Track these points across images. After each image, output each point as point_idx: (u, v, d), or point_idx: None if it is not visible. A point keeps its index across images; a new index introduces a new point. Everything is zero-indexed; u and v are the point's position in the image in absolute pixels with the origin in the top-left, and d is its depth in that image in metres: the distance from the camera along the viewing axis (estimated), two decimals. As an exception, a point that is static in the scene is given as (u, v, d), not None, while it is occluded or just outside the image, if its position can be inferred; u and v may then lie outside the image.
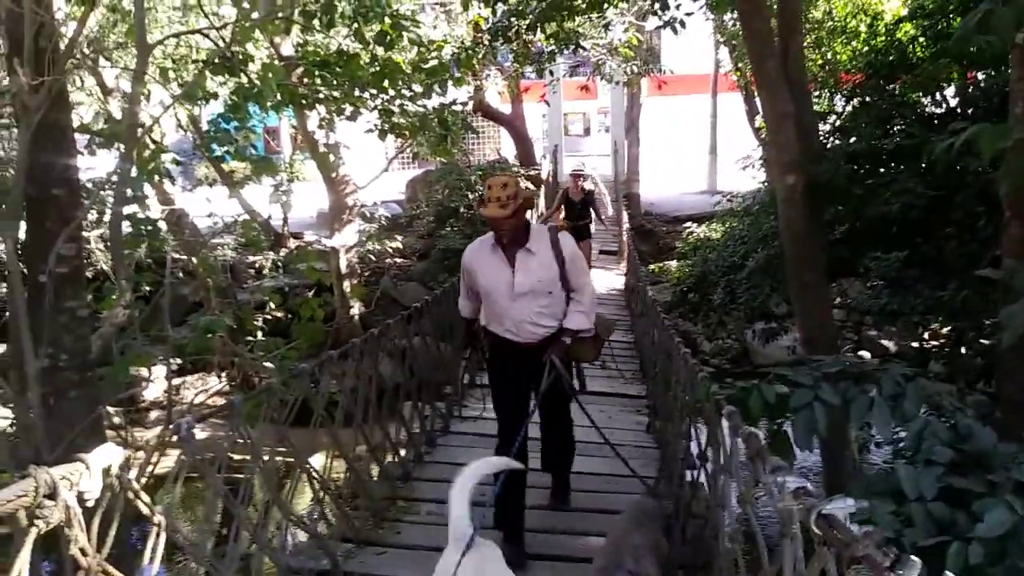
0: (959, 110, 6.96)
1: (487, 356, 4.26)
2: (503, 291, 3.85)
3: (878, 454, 8.63)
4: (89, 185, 7.63)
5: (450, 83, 7.27)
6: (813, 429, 3.00)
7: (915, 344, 8.69)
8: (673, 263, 16.59)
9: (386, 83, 6.76)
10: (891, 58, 7.39)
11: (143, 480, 2.14)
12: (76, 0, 9.29)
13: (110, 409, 5.97)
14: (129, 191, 4.80)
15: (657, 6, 8.11)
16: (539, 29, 8.37)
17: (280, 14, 6.13)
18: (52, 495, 1.65)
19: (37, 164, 4.17)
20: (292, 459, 3.65)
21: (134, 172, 4.99)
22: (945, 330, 7.41)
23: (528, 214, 4.06)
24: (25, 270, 4.31)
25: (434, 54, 7.12)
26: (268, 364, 7.45)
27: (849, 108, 8.16)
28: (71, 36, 4.73)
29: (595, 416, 6.47)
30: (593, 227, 12.28)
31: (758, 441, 2.70)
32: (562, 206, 11.80)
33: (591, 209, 11.29)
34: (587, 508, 4.67)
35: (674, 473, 4.69)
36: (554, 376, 3.92)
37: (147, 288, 9.82)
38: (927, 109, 7.33)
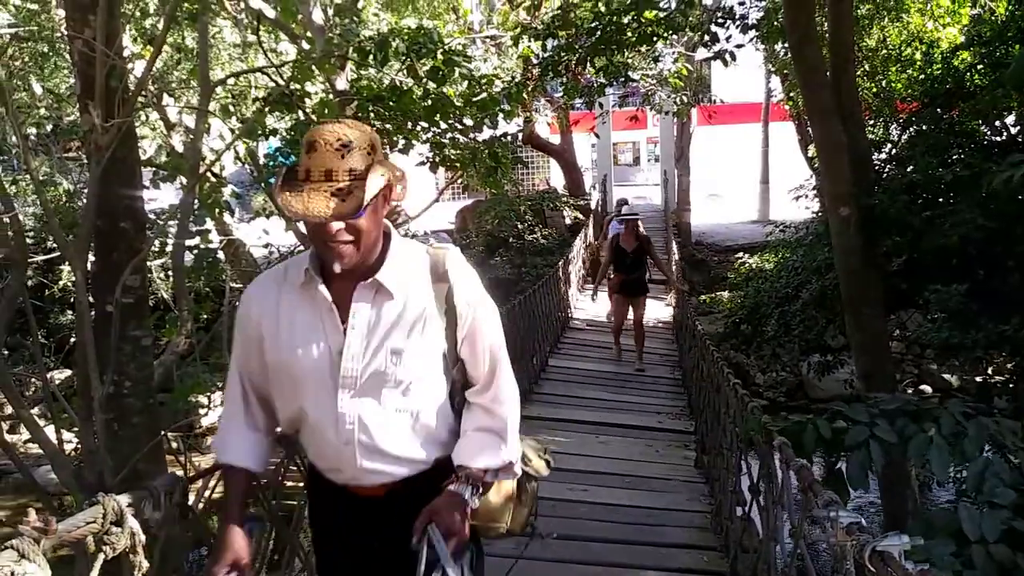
0: (1020, 138, 6.80)
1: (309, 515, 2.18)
2: (318, 373, 1.79)
3: (940, 493, 8.35)
4: (152, 217, 7.89)
5: (500, 116, 7.37)
6: (867, 468, 2.94)
7: (978, 379, 8.45)
8: (725, 293, 16.42)
9: (438, 117, 6.88)
10: (948, 86, 7.30)
11: (199, 506, 2.20)
12: (144, 41, 9.71)
13: (169, 435, 6.11)
14: (191, 224, 4.97)
15: (707, 39, 8.14)
16: (589, 63, 8.45)
17: (336, 52, 6.33)
18: (119, 522, 1.71)
19: (106, 198, 4.35)
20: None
21: (196, 205, 5.17)
22: (1010, 365, 7.19)
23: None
24: (92, 300, 4.48)
25: (485, 88, 7.23)
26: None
27: (905, 137, 8.04)
28: (140, 76, 4.95)
29: (641, 451, 6.48)
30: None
31: (810, 474, 2.65)
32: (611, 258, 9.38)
33: (647, 258, 9.17)
34: (634, 541, 4.63)
35: (724, 507, 4.62)
36: None
37: (206, 317, 10.10)
38: (986, 138, 7.18)
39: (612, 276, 9.19)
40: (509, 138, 8.54)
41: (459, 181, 17.02)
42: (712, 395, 5.62)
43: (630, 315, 9.53)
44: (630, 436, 6.88)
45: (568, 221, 19.99)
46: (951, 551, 2.44)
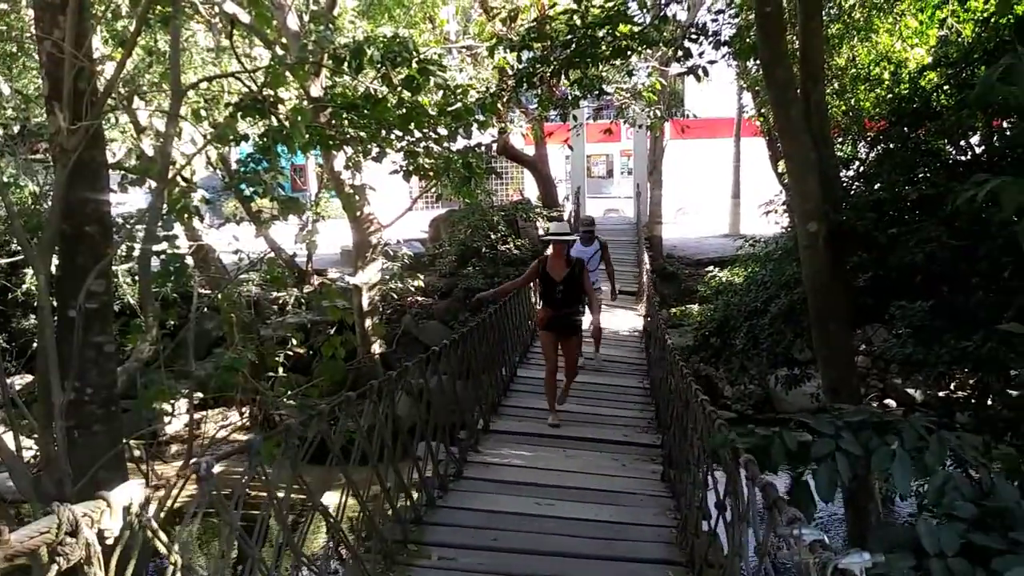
0: (984, 158, 6.94)
1: None
2: None
3: (903, 506, 8.46)
4: (120, 220, 7.78)
5: (475, 126, 7.38)
6: (835, 480, 2.96)
7: (941, 394, 8.57)
8: (695, 307, 16.54)
9: (412, 125, 6.88)
10: (915, 106, 7.41)
11: (161, 515, 2.15)
12: (115, 43, 9.59)
13: (132, 442, 6.01)
14: (159, 229, 4.90)
15: (680, 54, 8.23)
16: (564, 75, 8.50)
17: (311, 59, 6.30)
18: (74, 532, 1.67)
19: (71, 201, 4.28)
20: (307, 498, 3.65)
21: (164, 209, 5.10)
22: (971, 381, 7.31)
23: None
24: (55, 304, 4.39)
25: (459, 98, 7.23)
26: (289, 401, 7.50)
27: (873, 155, 8.17)
28: (109, 78, 4.88)
29: (608, 465, 6.52)
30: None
31: (775, 491, 2.68)
32: (534, 284, 7.91)
33: (583, 287, 7.14)
34: (600, 555, 4.63)
35: (690, 522, 4.64)
36: None
37: (172, 323, 9.99)
38: (952, 157, 7.31)
39: (539, 309, 7.41)
40: (483, 148, 8.57)
41: (432, 190, 17.04)
42: (680, 410, 5.65)
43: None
44: (597, 450, 6.89)
45: (541, 232, 20.04)
46: (910, 565, 2.47)
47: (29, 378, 12.72)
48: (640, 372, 10.00)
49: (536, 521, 5.10)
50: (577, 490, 5.79)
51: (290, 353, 10.42)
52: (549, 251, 7.38)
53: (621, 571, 4.43)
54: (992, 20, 6.81)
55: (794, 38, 7.99)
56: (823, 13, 8.22)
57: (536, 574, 4.33)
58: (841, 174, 7.55)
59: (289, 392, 7.43)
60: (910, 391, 12.88)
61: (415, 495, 5.11)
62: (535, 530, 4.96)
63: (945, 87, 7.32)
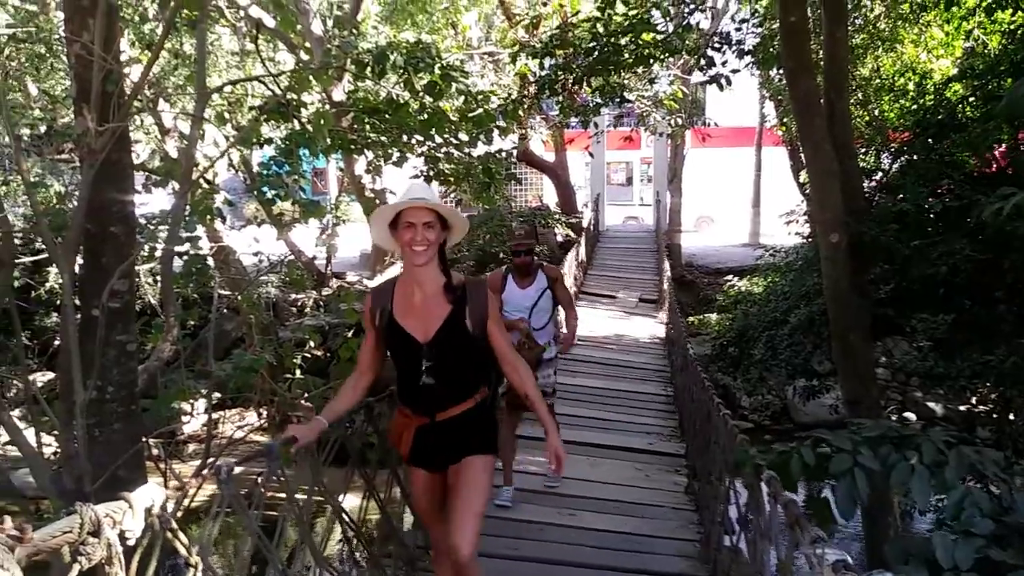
0: (1009, 171, 6.87)
1: None
2: None
3: (923, 521, 8.35)
4: (143, 221, 7.86)
5: (495, 132, 7.39)
6: (854, 496, 2.93)
7: (962, 408, 8.48)
8: (713, 316, 16.46)
9: (433, 131, 6.90)
10: (940, 117, 7.36)
11: (178, 516, 2.17)
12: (142, 46, 9.70)
13: (150, 441, 6.06)
14: (182, 230, 4.95)
15: (703, 62, 8.21)
16: (585, 82, 8.50)
17: (334, 64, 6.35)
18: (96, 532, 1.69)
19: (97, 201, 4.33)
20: (325, 499, 3.65)
21: (187, 211, 5.15)
22: (993, 395, 7.22)
23: None
24: (78, 303, 4.45)
25: (481, 104, 7.26)
26: (306, 403, 7.54)
27: (896, 166, 8.11)
28: (136, 81, 4.94)
29: (631, 475, 6.46)
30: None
31: (797, 508, 2.64)
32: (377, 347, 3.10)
33: (495, 346, 3.07)
34: (621, 568, 4.60)
35: (712, 537, 4.59)
36: None
37: (193, 323, 10.08)
38: (976, 169, 7.25)
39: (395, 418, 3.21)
40: (503, 154, 8.58)
41: (452, 195, 17.06)
42: (703, 423, 5.60)
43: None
44: (621, 459, 6.81)
45: (560, 239, 20.02)
46: (923, 578, 2.45)
47: (51, 375, 12.87)
48: (663, 379, 9.96)
49: (558, 531, 5.06)
50: (600, 500, 5.73)
51: (308, 355, 10.47)
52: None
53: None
54: (1019, 32, 6.75)
55: (818, 48, 7.95)
56: (848, 23, 8.18)
57: None
58: (864, 185, 7.50)
59: (306, 394, 7.47)
60: (931, 405, 12.73)
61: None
62: (557, 540, 4.92)
63: (970, 99, 7.27)
